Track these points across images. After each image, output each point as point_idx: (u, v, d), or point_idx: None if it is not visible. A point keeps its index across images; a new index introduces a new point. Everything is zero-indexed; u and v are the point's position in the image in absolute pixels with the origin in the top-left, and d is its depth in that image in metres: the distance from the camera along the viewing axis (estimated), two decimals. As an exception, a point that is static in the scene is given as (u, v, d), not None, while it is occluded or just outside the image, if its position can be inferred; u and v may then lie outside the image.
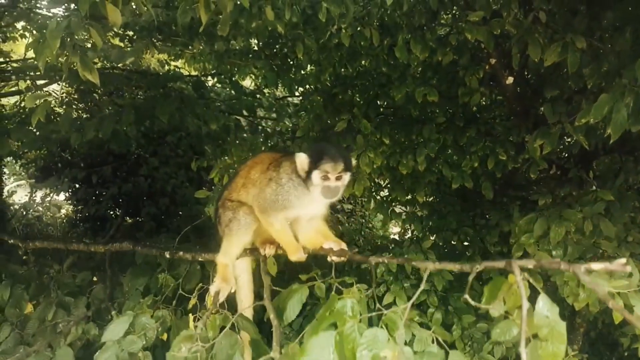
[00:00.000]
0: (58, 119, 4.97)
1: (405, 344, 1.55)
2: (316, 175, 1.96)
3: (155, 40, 4.05)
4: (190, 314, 2.20)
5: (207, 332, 1.88)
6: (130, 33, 5.22)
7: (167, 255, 2.67)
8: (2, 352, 2.67)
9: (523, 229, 3.31)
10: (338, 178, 1.98)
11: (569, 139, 4.04)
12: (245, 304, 2.21)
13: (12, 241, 3.54)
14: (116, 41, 5.65)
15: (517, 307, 1.55)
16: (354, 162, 2.12)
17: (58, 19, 2.29)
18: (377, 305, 1.73)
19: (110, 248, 3.09)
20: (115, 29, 4.62)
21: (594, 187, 3.50)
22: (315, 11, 3.50)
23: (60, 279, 3.23)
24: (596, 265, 1.25)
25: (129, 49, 5.02)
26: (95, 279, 3.52)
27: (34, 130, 4.45)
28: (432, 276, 3.95)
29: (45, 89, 7.18)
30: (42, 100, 2.77)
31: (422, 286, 1.67)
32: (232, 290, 2.12)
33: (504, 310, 1.59)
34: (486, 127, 4.01)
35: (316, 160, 1.97)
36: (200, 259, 2.59)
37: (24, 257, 4.07)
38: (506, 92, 3.82)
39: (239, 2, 2.83)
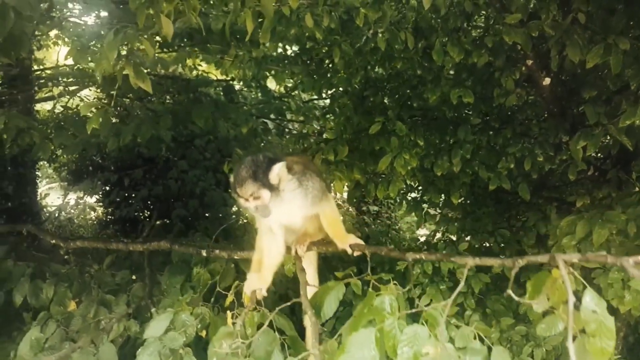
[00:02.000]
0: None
1: (447, 340, 1.53)
2: (236, 198, 1.99)
3: (195, 48, 4.13)
4: (228, 311, 2.23)
5: (245, 330, 1.92)
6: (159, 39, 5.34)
7: (204, 254, 2.73)
8: (49, 348, 2.73)
9: (564, 230, 3.29)
10: (256, 198, 1.94)
11: (607, 140, 4.01)
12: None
13: (54, 241, 3.58)
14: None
15: (562, 302, 1.51)
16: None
17: (111, 31, 2.36)
18: (416, 302, 1.72)
19: (148, 247, 3.17)
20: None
21: (637, 189, 3.46)
22: (352, 17, 3.54)
23: (101, 278, 3.32)
24: (646, 258, 1.24)
25: (166, 56, 5.12)
26: (134, 277, 3.59)
27: (74, 135, 4.58)
28: (469, 278, 3.95)
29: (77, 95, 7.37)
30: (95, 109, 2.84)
31: (462, 283, 1.66)
32: (265, 289, 2.15)
33: (548, 306, 1.56)
34: (522, 128, 4.00)
35: (232, 184, 1.99)
36: (235, 257, 2.65)
37: (65, 257, 4.15)
38: (543, 93, 3.81)
39: (279, 9, 2.90)
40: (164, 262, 3.55)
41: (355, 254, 2.13)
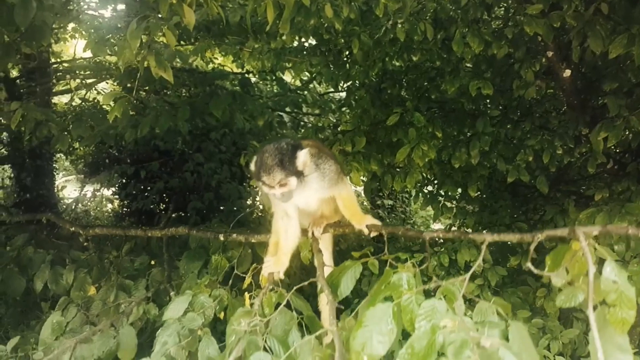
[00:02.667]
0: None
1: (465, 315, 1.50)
2: (261, 185, 1.97)
3: (213, 40, 4.15)
4: (245, 293, 2.24)
5: (263, 310, 1.92)
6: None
7: (222, 238, 2.74)
8: (70, 331, 2.76)
9: (583, 223, 3.26)
10: (282, 185, 1.95)
11: (627, 134, 3.96)
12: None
13: (73, 229, 3.57)
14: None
15: (582, 275, 1.50)
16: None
17: (134, 21, 2.38)
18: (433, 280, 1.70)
19: (166, 232, 3.18)
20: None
21: (659, 181, 3.43)
22: (371, 7, 3.53)
23: (120, 264, 3.34)
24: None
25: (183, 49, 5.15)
26: (153, 262, 3.62)
27: (92, 126, 4.63)
28: (486, 271, 3.94)
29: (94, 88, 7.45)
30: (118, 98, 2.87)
31: (481, 257, 1.64)
32: (282, 272, 2.17)
33: (567, 280, 1.55)
34: (541, 121, 3.96)
35: (257, 172, 1.97)
36: (253, 240, 2.66)
37: (84, 244, 4.19)
38: (563, 85, 3.77)
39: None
40: (182, 249, 3.57)
41: (372, 234, 2.14)
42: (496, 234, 1.76)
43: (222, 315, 2.29)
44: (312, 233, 2.28)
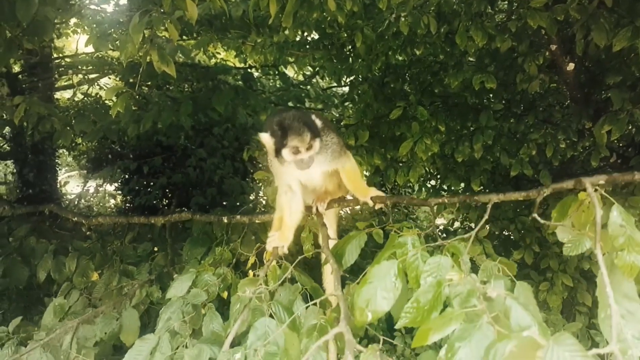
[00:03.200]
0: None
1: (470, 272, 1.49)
2: (287, 152, 1.96)
3: (216, 34, 4.14)
4: (250, 271, 2.26)
5: (268, 283, 1.92)
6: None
7: (225, 220, 2.73)
8: (72, 313, 2.76)
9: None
10: (309, 148, 1.96)
11: (630, 128, 3.96)
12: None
13: (75, 219, 3.54)
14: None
15: (589, 223, 1.51)
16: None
17: (136, 14, 2.38)
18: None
19: (169, 219, 3.16)
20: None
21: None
22: (374, 0, 3.51)
23: (123, 251, 3.34)
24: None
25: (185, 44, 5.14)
26: (156, 249, 3.61)
27: (94, 121, 4.63)
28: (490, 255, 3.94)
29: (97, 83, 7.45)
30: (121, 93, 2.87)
31: (486, 215, 1.72)
32: (286, 246, 2.18)
33: (573, 233, 1.58)
34: (544, 115, 3.95)
35: (282, 138, 1.95)
36: (257, 221, 2.65)
37: (87, 233, 4.17)
38: (566, 78, 3.75)
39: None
40: (185, 239, 3.57)
41: (377, 206, 2.14)
42: (501, 194, 1.80)
43: (225, 294, 2.29)
44: (317, 208, 2.29)
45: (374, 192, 2.19)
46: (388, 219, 2.04)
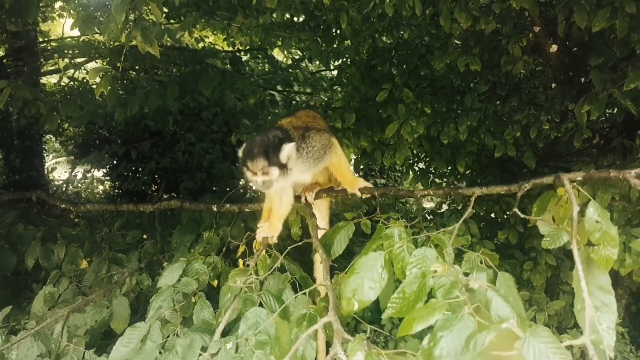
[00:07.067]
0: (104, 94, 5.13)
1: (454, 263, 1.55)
2: (246, 172, 2.07)
3: (202, 17, 4.11)
4: (240, 259, 2.29)
5: (258, 272, 1.97)
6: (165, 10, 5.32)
7: (215, 209, 2.75)
8: (62, 302, 2.77)
9: (569, 196, 3.31)
10: (265, 174, 2.03)
11: (612, 110, 4.01)
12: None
13: (63, 205, 3.50)
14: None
15: (567, 218, 1.58)
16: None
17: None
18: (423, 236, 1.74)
19: (159, 206, 3.16)
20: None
21: (640, 155, 3.48)
22: (359, -18, 3.52)
23: (112, 239, 3.34)
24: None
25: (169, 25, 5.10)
26: (145, 236, 3.62)
27: (81, 106, 4.60)
28: (474, 245, 4.00)
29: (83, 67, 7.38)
30: (104, 74, 2.86)
31: (470, 208, 1.77)
32: (276, 236, 2.22)
33: (552, 226, 1.64)
34: (528, 96, 3.99)
35: (243, 158, 2.07)
36: (247, 210, 2.67)
37: (76, 220, 4.16)
38: (550, 60, 3.79)
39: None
40: (174, 226, 3.59)
41: (365, 196, 2.19)
42: (484, 187, 1.86)
43: (215, 282, 2.32)
44: (305, 199, 2.34)
45: (362, 183, 2.23)
46: (376, 207, 2.09)
